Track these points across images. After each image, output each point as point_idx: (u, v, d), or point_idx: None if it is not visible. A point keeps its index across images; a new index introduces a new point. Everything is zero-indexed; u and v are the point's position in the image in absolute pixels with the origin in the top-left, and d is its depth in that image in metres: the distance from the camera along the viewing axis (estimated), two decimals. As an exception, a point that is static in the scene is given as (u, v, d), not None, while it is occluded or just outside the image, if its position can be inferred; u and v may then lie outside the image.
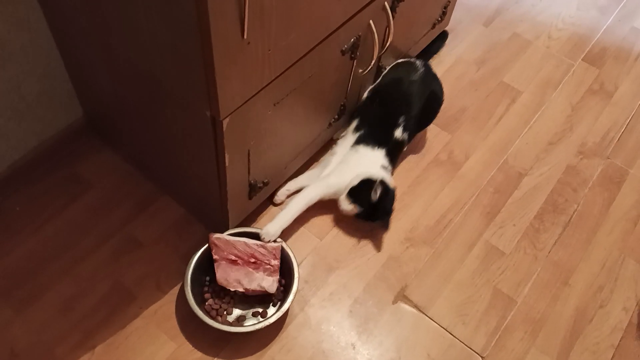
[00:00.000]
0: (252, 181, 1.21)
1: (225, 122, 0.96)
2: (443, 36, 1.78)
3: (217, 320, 1.16)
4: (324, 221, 1.40)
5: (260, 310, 1.22)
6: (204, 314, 1.14)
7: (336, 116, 1.41)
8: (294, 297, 1.18)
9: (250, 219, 1.37)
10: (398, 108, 1.39)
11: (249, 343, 1.21)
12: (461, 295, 1.32)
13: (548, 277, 1.37)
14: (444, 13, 1.65)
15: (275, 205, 1.40)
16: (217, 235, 1.21)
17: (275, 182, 1.34)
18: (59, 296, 1.23)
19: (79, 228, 1.33)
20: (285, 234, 1.36)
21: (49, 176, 1.39)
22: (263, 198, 1.33)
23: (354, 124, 1.42)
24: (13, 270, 1.25)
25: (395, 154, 1.40)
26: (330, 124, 1.40)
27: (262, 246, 1.22)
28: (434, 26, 1.65)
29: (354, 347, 1.23)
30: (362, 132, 1.39)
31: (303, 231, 1.38)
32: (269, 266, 1.21)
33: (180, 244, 1.33)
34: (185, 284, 1.17)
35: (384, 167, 1.36)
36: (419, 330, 1.27)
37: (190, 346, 1.20)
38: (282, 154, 1.28)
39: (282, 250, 1.24)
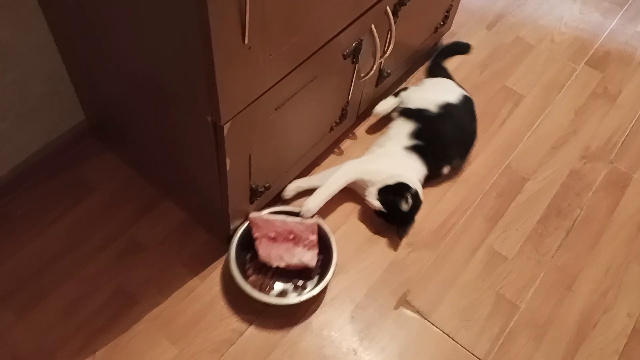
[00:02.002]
0: (253, 185, 1.20)
1: (226, 127, 0.96)
2: (466, 47, 1.79)
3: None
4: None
5: (301, 283, 1.26)
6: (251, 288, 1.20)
7: (337, 120, 1.40)
8: (334, 270, 1.24)
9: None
10: (455, 148, 1.47)
11: (253, 342, 1.20)
12: (464, 301, 1.32)
13: (552, 282, 1.36)
14: (446, 17, 1.65)
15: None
16: (256, 214, 1.27)
17: (277, 186, 1.34)
18: (60, 300, 1.23)
19: (81, 232, 1.33)
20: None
21: (51, 180, 1.40)
22: (264, 202, 1.33)
23: (411, 127, 1.43)
24: (15, 274, 1.26)
25: (430, 178, 1.45)
26: (331, 128, 1.40)
27: (300, 223, 1.27)
28: (436, 30, 1.65)
29: (355, 353, 1.23)
30: (421, 143, 1.41)
31: (305, 235, 1.38)
32: (307, 241, 1.25)
33: (182, 248, 1.32)
34: (231, 260, 1.21)
35: (420, 181, 1.40)
36: (422, 336, 1.26)
37: (192, 351, 1.19)
38: (284, 158, 1.28)
39: (319, 227, 1.28)
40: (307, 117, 1.24)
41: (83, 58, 1.18)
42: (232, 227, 1.25)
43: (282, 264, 1.23)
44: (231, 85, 0.90)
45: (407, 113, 1.47)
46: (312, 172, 1.48)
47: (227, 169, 1.06)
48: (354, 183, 1.36)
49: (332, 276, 1.24)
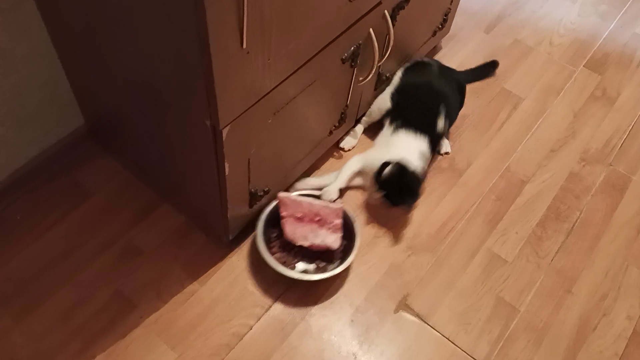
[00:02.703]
0: (252, 189, 1.20)
1: (225, 131, 0.96)
2: (494, 65, 1.77)
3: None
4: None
5: (323, 265, 1.29)
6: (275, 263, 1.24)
7: (337, 124, 1.40)
8: (356, 254, 1.28)
9: (251, 227, 1.36)
10: (436, 98, 1.46)
11: (253, 346, 1.20)
12: (463, 304, 1.31)
13: (551, 285, 1.36)
14: (445, 20, 1.65)
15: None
16: (285, 194, 1.31)
17: (276, 190, 1.33)
18: (59, 304, 1.23)
19: (79, 236, 1.32)
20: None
21: (50, 184, 1.39)
22: (264, 206, 1.33)
23: (387, 121, 1.48)
24: (13, 278, 1.25)
25: (436, 143, 1.46)
26: (331, 132, 1.40)
27: (326, 206, 1.30)
28: (434, 33, 1.65)
29: (355, 357, 1.22)
30: (399, 121, 1.43)
31: (304, 239, 1.38)
32: (332, 224, 1.29)
33: (181, 252, 1.32)
34: (258, 234, 1.26)
35: (422, 154, 1.40)
36: (421, 340, 1.26)
37: (191, 355, 1.19)
38: (283, 162, 1.28)
39: (344, 213, 1.31)
40: (306, 121, 1.24)
41: (82, 63, 1.18)
42: (231, 231, 1.25)
43: (305, 244, 1.26)
44: (230, 90, 0.90)
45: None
46: (312, 175, 1.48)
47: (226, 173, 1.05)
48: (364, 176, 1.42)
49: (353, 259, 1.27)
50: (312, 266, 1.29)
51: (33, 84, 1.24)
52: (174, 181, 1.28)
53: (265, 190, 1.25)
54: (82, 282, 1.26)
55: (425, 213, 1.45)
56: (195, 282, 1.28)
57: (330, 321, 1.26)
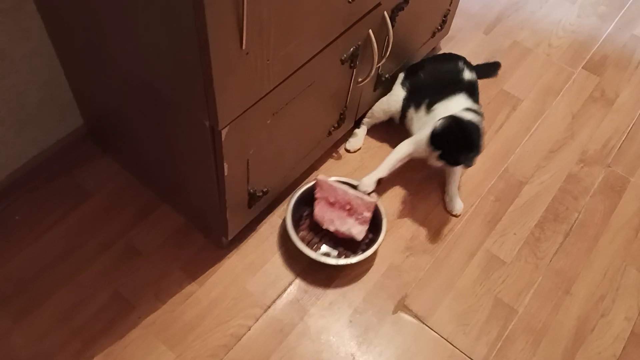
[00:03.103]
0: (251, 190, 1.20)
1: (224, 132, 0.96)
2: (496, 66, 1.78)
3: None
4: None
5: (345, 253, 1.33)
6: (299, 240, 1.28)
7: (336, 124, 1.41)
8: (379, 246, 1.30)
9: (250, 228, 1.36)
10: (450, 60, 1.49)
11: (251, 347, 1.20)
12: (462, 305, 1.32)
13: (549, 286, 1.37)
14: (444, 21, 1.65)
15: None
16: (323, 177, 1.34)
17: (275, 191, 1.34)
18: (58, 305, 1.23)
19: (79, 236, 1.32)
20: (286, 241, 1.36)
21: (49, 185, 1.39)
22: (263, 207, 1.33)
23: (413, 111, 1.46)
24: (12, 279, 1.25)
25: (474, 92, 1.45)
26: (330, 133, 1.40)
27: (359, 197, 1.32)
28: (434, 34, 1.65)
29: (353, 358, 1.23)
30: (427, 100, 1.42)
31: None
32: (361, 216, 1.31)
33: (180, 252, 1.32)
34: (288, 210, 1.31)
35: (467, 109, 1.36)
36: (420, 341, 1.26)
37: (189, 356, 1.19)
38: (282, 162, 1.28)
39: (376, 208, 1.33)
40: (305, 122, 1.24)
41: (81, 63, 1.18)
42: (230, 232, 1.25)
43: (331, 228, 1.30)
44: (229, 90, 0.90)
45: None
46: (311, 175, 1.48)
47: (225, 173, 1.06)
48: (417, 155, 1.40)
49: (373, 252, 1.30)
50: (334, 251, 1.33)
51: (33, 85, 1.24)
52: (173, 182, 1.28)
53: (264, 191, 1.25)
54: (82, 282, 1.26)
55: (424, 214, 1.45)
56: (194, 283, 1.29)
57: (328, 322, 1.26)
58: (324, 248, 1.34)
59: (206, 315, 1.24)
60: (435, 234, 1.42)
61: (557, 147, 1.63)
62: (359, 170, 1.50)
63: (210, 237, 1.34)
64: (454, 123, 1.29)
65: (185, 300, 1.26)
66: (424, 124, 1.40)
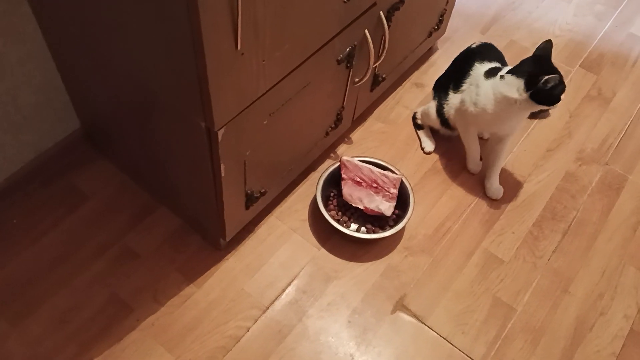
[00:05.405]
0: (248, 191, 1.20)
1: (220, 133, 0.96)
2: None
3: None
4: (322, 230, 1.40)
5: (373, 229, 1.38)
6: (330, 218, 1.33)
7: (333, 125, 1.40)
8: (408, 221, 1.35)
9: (247, 229, 1.36)
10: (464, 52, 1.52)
11: (250, 349, 1.20)
12: (460, 304, 1.31)
13: (548, 285, 1.36)
14: (440, 21, 1.65)
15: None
16: (348, 157, 1.39)
17: (273, 192, 1.33)
18: (55, 308, 1.22)
19: (76, 239, 1.32)
20: (283, 242, 1.36)
21: (46, 188, 1.39)
22: (260, 208, 1.33)
23: (446, 96, 1.47)
24: (9, 283, 1.25)
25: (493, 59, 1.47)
26: (327, 133, 1.40)
27: (385, 175, 1.38)
28: (430, 34, 1.65)
29: (352, 358, 1.22)
30: (452, 83, 1.45)
31: (301, 241, 1.37)
32: (388, 193, 1.37)
33: (177, 255, 1.32)
34: (317, 190, 1.36)
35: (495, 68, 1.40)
36: (418, 340, 1.26)
37: (188, 358, 1.19)
38: (279, 163, 1.28)
39: (402, 184, 1.39)
40: (302, 122, 1.24)
41: (77, 66, 1.18)
42: (227, 233, 1.25)
43: (360, 206, 1.35)
44: (224, 91, 0.90)
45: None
46: (309, 176, 1.48)
47: (222, 175, 1.05)
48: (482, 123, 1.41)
49: (403, 226, 1.34)
50: (363, 229, 1.38)
51: (28, 88, 1.24)
52: (170, 184, 1.27)
53: (262, 191, 1.25)
54: (79, 285, 1.26)
55: (421, 214, 1.45)
56: (191, 285, 1.28)
57: (327, 323, 1.26)
58: (353, 226, 1.39)
59: (204, 317, 1.24)
60: (433, 234, 1.42)
61: (554, 146, 1.63)
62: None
63: (208, 238, 1.34)
64: (534, 57, 1.33)
65: (183, 303, 1.26)
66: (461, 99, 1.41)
